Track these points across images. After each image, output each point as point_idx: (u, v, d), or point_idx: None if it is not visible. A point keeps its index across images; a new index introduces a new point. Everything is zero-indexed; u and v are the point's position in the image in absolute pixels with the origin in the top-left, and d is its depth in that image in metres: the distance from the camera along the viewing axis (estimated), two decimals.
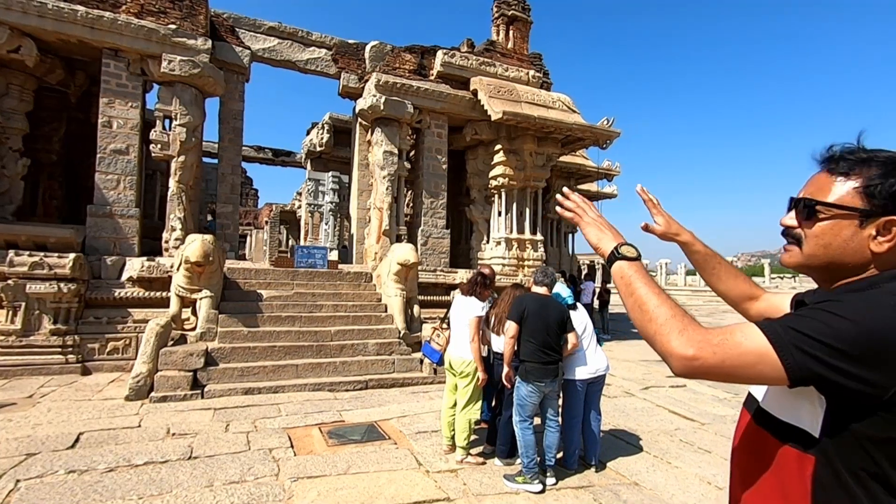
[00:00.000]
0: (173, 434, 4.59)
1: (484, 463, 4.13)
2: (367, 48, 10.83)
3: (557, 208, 1.31)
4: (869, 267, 0.96)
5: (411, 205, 13.08)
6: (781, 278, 38.58)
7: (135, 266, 7.78)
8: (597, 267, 42.31)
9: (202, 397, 5.87)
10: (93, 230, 8.25)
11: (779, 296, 1.32)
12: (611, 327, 13.90)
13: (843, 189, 0.96)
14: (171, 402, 5.65)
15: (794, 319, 0.90)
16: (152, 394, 5.71)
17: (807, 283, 23.08)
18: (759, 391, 1.08)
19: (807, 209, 0.99)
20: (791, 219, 1.04)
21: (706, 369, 0.89)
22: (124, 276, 7.87)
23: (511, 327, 3.81)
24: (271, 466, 3.89)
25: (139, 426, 4.79)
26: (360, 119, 10.90)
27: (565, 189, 1.31)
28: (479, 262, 11.42)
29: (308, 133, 17.25)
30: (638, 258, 1.10)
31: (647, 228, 1.41)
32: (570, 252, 18.70)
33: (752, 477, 1.03)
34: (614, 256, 1.12)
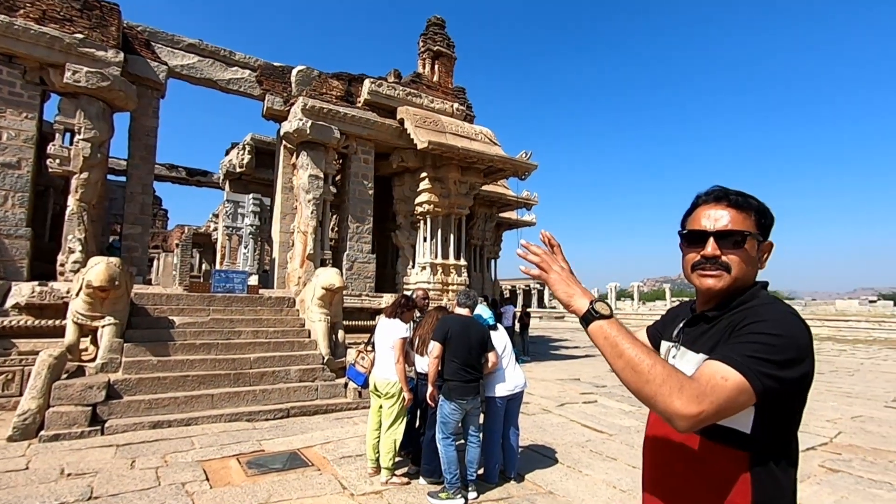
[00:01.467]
0: (69, 475, 4.18)
1: (409, 483, 4.21)
2: (294, 72, 10.83)
3: (521, 267, 1.23)
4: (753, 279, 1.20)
5: (337, 229, 13.00)
6: (681, 301, 42.32)
7: (23, 291, 7.03)
8: (518, 292, 43.98)
9: (103, 433, 5.38)
10: None
11: (639, 334, 1.48)
12: (530, 350, 14.52)
13: (751, 221, 1.17)
14: (66, 441, 5.12)
15: (743, 346, 1.02)
16: (42, 433, 5.14)
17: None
18: None
19: (741, 239, 1.16)
20: (716, 249, 1.17)
21: (708, 419, 0.96)
22: (9, 303, 7.06)
23: (435, 347, 3.99)
24: (185, 501, 3.69)
25: (27, 468, 4.31)
26: (284, 142, 10.78)
27: (523, 241, 1.21)
28: (405, 286, 11.56)
29: (227, 153, 16.61)
30: (612, 315, 1.10)
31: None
32: (493, 277, 19.39)
33: (677, 475, 1.16)
34: (591, 316, 1.09)
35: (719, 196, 1.21)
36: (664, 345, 1.33)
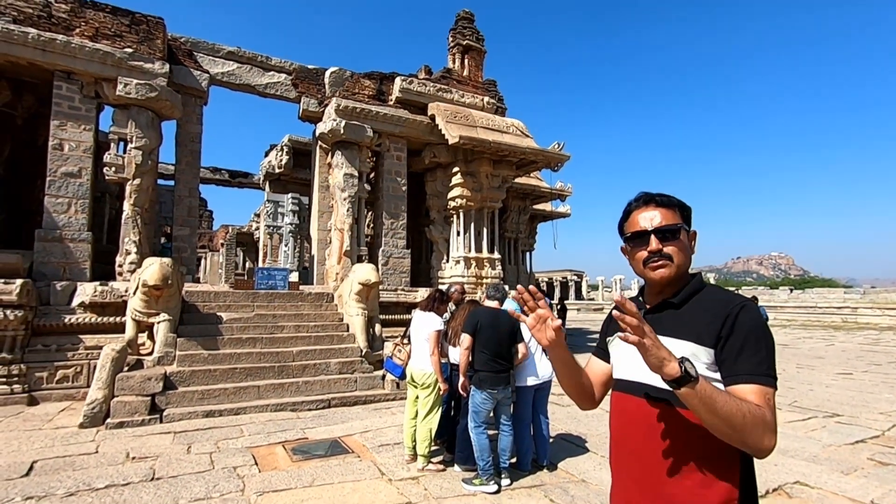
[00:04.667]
0: (133, 458, 4.57)
1: (444, 470, 4.36)
2: (327, 74, 11.12)
3: (619, 335, 1.17)
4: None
5: (372, 226, 13.29)
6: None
7: (87, 291, 7.61)
8: (555, 284, 43.46)
9: (161, 422, 5.81)
10: (41, 255, 8.01)
11: (589, 367, 1.62)
12: (568, 341, 14.41)
13: (677, 215, 1.40)
14: (129, 428, 5.57)
15: (762, 359, 1.21)
16: (108, 420, 5.61)
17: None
18: (650, 379, 1.28)
19: (675, 232, 1.37)
20: (659, 244, 1.36)
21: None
22: (75, 302, 7.67)
23: (465, 339, 4.11)
24: (236, 483, 3.98)
25: (97, 452, 4.73)
26: (320, 142, 11.10)
27: (619, 299, 1.16)
28: (440, 280, 11.73)
29: (266, 155, 17.22)
30: (698, 375, 1.10)
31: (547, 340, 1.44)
32: (528, 269, 19.32)
33: (672, 451, 1.26)
34: (686, 379, 1.09)
35: (647, 200, 1.42)
36: (617, 336, 1.25)
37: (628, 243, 1.44)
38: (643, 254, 1.38)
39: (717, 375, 1.25)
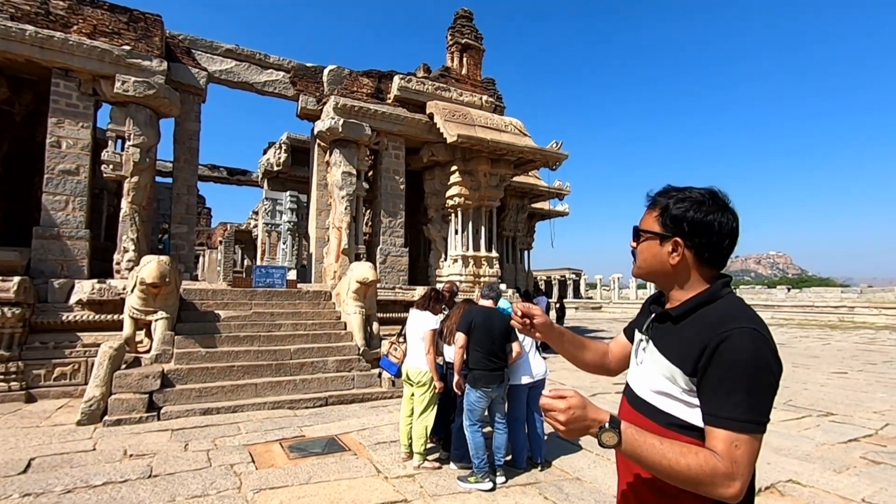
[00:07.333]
0: (131, 455, 4.59)
1: (440, 467, 4.39)
2: (326, 72, 11.12)
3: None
4: (680, 275, 1.27)
5: (370, 224, 13.31)
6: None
7: (85, 288, 7.62)
8: (553, 283, 43.53)
9: (159, 419, 5.83)
10: (39, 252, 8.02)
11: (613, 340, 1.64)
12: None
13: (650, 219, 1.32)
14: (127, 425, 5.59)
15: (735, 404, 1.08)
16: (106, 417, 5.63)
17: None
18: (641, 388, 1.30)
19: (635, 234, 1.35)
20: (633, 242, 1.37)
21: (746, 483, 1.08)
22: (73, 300, 7.68)
23: (460, 338, 4.14)
24: (233, 480, 4.00)
25: (94, 449, 4.75)
26: (318, 140, 11.11)
27: (544, 401, 1.14)
28: (438, 279, 11.76)
29: (265, 152, 17.23)
30: (619, 443, 1.09)
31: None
32: (526, 268, 19.35)
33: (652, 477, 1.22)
34: (604, 445, 1.11)
35: (648, 197, 1.38)
36: (637, 335, 1.41)
37: None
38: None
39: (696, 401, 1.17)
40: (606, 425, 1.09)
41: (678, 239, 1.25)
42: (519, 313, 1.53)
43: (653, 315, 1.37)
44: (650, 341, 1.32)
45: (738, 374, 1.09)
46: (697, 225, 1.23)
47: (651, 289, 38.66)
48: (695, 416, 1.16)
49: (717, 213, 1.23)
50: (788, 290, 32.52)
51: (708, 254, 1.25)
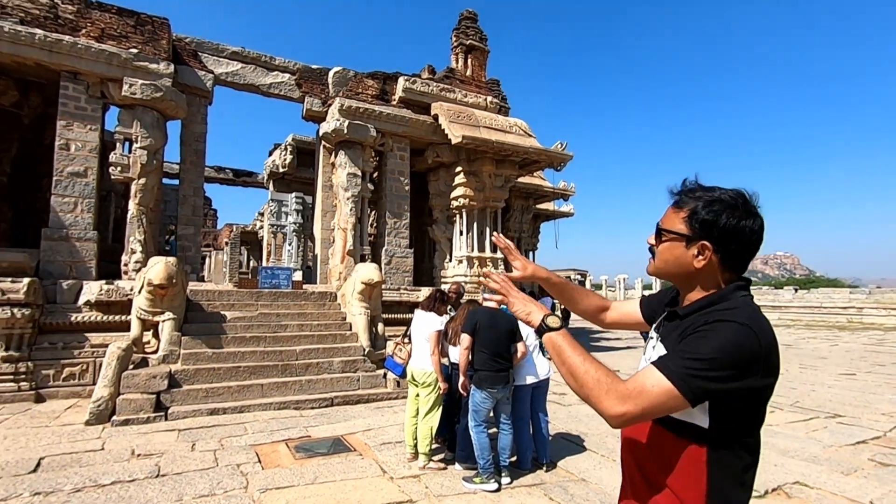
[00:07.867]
0: (139, 455, 4.63)
1: (445, 468, 4.40)
2: (331, 74, 11.16)
3: (485, 295, 1.49)
4: (701, 277, 1.24)
5: (375, 225, 13.34)
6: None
7: (93, 290, 7.69)
8: None
9: (166, 419, 5.88)
10: (48, 254, 8.09)
11: (627, 302, 1.64)
12: None
13: (675, 219, 1.26)
14: (134, 425, 5.64)
15: (682, 360, 1.08)
16: (114, 417, 5.68)
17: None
18: None
19: (657, 233, 1.30)
20: (652, 239, 1.33)
21: (634, 419, 1.08)
22: (81, 300, 7.75)
23: (465, 339, 4.15)
24: (240, 480, 4.03)
25: (103, 449, 4.80)
26: (323, 142, 11.16)
27: (486, 270, 1.34)
28: (443, 280, 11.77)
29: (271, 154, 17.31)
30: (562, 327, 1.22)
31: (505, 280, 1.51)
32: None
33: (650, 464, 1.25)
34: (543, 328, 1.25)
35: (673, 191, 1.33)
36: (651, 335, 1.40)
37: None
38: None
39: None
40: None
41: (706, 243, 1.21)
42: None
43: (665, 314, 1.36)
44: (659, 339, 1.32)
45: (703, 348, 1.08)
46: (729, 231, 1.19)
47: (656, 289, 38.53)
48: (695, 416, 1.16)
49: (748, 219, 1.20)
50: (796, 290, 32.26)
51: (733, 259, 1.23)
